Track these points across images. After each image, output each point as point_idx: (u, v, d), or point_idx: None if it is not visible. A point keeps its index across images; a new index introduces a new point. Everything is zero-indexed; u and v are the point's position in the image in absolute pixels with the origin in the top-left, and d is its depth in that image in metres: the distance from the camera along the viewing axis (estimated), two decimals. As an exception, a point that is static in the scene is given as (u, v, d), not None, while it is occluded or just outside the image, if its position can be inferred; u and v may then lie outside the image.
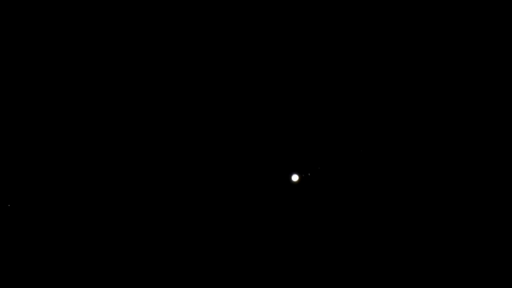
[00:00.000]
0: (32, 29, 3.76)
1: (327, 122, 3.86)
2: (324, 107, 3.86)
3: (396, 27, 3.77)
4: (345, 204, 3.85)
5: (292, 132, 3.87)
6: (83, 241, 3.84)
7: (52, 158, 3.88)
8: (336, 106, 3.85)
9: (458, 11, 3.70)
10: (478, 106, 3.77)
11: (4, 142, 3.83)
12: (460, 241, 3.71)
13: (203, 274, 3.80)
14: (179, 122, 3.91)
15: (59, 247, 3.82)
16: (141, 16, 3.78)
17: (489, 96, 3.76)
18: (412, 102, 3.82)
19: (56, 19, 3.76)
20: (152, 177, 3.91)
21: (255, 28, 3.78)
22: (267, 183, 3.88)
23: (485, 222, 3.69)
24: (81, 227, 3.86)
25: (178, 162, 3.91)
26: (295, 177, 3.84)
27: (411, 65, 3.80)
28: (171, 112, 3.91)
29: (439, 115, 3.80)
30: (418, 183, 3.79)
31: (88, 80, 3.86)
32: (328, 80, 3.84)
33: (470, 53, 3.76)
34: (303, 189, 3.87)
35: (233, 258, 3.82)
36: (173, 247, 3.84)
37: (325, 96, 3.86)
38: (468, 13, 3.70)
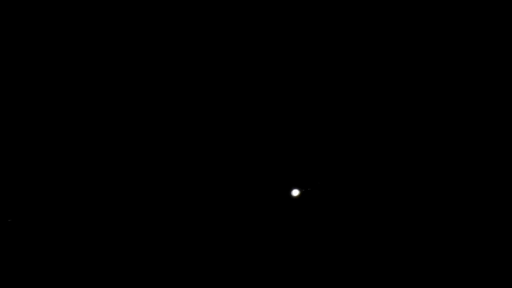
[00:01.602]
0: (32, 29, 3.79)
1: (328, 136, 3.83)
2: (325, 120, 3.83)
3: (396, 28, 3.75)
4: (346, 219, 3.81)
5: (293, 145, 3.84)
6: (83, 241, 3.85)
7: (52, 158, 3.90)
8: (338, 119, 3.82)
9: (458, 11, 3.67)
10: (478, 106, 3.72)
11: (4, 142, 3.86)
12: (464, 248, 3.66)
13: (201, 285, 3.79)
14: (177, 133, 3.90)
15: (59, 247, 3.84)
16: (141, 16, 3.79)
17: (489, 96, 3.72)
18: (416, 112, 3.78)
19: (56, 19, 3.79)
20: (149, 189, 3.90)
21: (257, 32, 3.77)
22: (267, 198, 3.85)
23: (486, 223, 3.65)
24: (81, 227, 3.87)
25: (177, 173, 3.90)
26: (295, 192, 3.80)
27: (417, 78, 3.77)
28: (168, 123, 3.90)
29: (446, 130, 3.76)
30: (422, 198, 3.75)
31: (88, 80, 3.88)
32: (329, 93, 3.82)
33: (470, 53, 3.72)
34: (304, 204, 3.83)
35: (231, 273, 3.79)
36: (171, 260, 3.83)
37: (326, 109, 3.83)
38: (468, 13, 3.66)
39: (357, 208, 3.80)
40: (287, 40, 3.77)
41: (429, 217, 3.74)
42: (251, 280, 3.77)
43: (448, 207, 3.74)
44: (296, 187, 3.82)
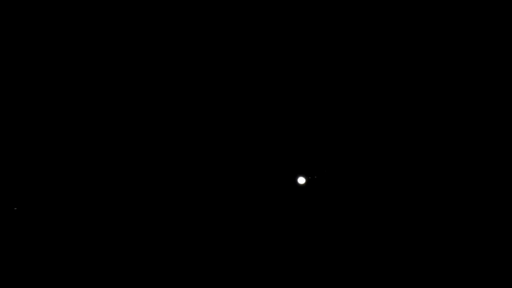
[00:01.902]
0: (32, 29, 3.72)
1: (333, 124, 3.85)
2: (331, 109, 3.85)
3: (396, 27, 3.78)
4: (352, 207, 3.83)
5: (299, 133, 3.86)
6: (83, 241, 3.80)
7: (52, 158, 3.84)
8: (344, 107, 3.85)
9: (458, 11, 3.72)
10: (478, 106, 3.78)
11: (4, 142, 3.79)
12: (466, 245, 3.72)
13: (208, 276, 3.77)
14: (185, 125, 3.88)
15: (59, 247, 3.78)
16: (141, 16, 3.75)
17: (489, 96, 3.76)
18: (419, 103, 3.82)
19: (56, 19, 3.73)
20: (158, 184, 3.87)
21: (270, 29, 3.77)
22: (273, 186, 3.86)
23: (486, 222, 3.71)
24: (81, 227, 3.82)
25: (183, 165, 3.88)
26: (301, 180, 3.82)
27: (420, 67, 3.80)
28: (180, 117, 3.88)
29: (448, 118, 3.81)
30: (426, 185, 3.79)
31: (88, 80, 3.83)
32: (335, 82, 3.83)
33: (470, 53, 3.76)
34: (310, 192, 3.85)
35: (237, 262, 3.79)
36: (180, 251, 3.81)
37: (332, 98, 3.85)
38: (468, 13, 3.72)
39: (364, 196, 3.83)
40: (292, 35, 3.78)
41: (432, 199, 3.79)
42: (256, 267, 3.78)
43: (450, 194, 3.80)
44: (302, 174, 3.85)
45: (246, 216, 3.85)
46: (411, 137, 3.82)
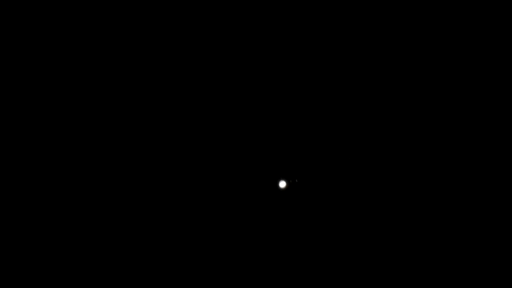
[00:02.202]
0: (32, 29, 3.84)
1: (316, 126, 3.80)
2: (313, 111, 3.80)
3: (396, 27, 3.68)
4: (334, 211, 3.78)
5: (280, 136, 3.82)
6: (83, 241, 3.90)
7: (52, 158, 3.95)
8: (325, 110, 3.78)
9: (458, 11, 3.58)
10: (478, 106, 3.63)
11: (4, 142, 3.92)
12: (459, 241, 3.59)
13: (188, 280, 3.80)
14: (161, 124, 3.91)
15: (59, 247, 3.88)
16: (141, 16, 3.80)
17: (489, 96, 3.66)
18: (403, 105, 3.73)
19: (56, 19, 3.83)
20: (138, 180, 3.92)
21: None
22: (254, 189, 3.84)
23: (485, 223, 3.58)
24: (81, 227, 3.91)
25: (163, 166, 3.91)
26: (282, 184, 3.78)
27: (400, 68, 3.70)
28: (152, 115, 3.91)
29: (431, 120, 3.70)
30: (411, 188, 3.71)
31: (88, 80, 3.91)
32: (316, 84, 3.78)
33: (470, 53, 3.66)
34: (291, 195, 3.81)
35: (218, 266, 3.80)
36: (159, 254, 3.85)
37: (313, 100, 3.79)
38: (468, 13, 3.58)
39: (346, 200, 3.77)
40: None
41: (419, 203, 3.70)
42: (236, 272, 3.78)
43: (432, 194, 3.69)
44: (283, 178, 3.81)
45: (227, 219, 3.85)
46: (396, 139, 3.73)
